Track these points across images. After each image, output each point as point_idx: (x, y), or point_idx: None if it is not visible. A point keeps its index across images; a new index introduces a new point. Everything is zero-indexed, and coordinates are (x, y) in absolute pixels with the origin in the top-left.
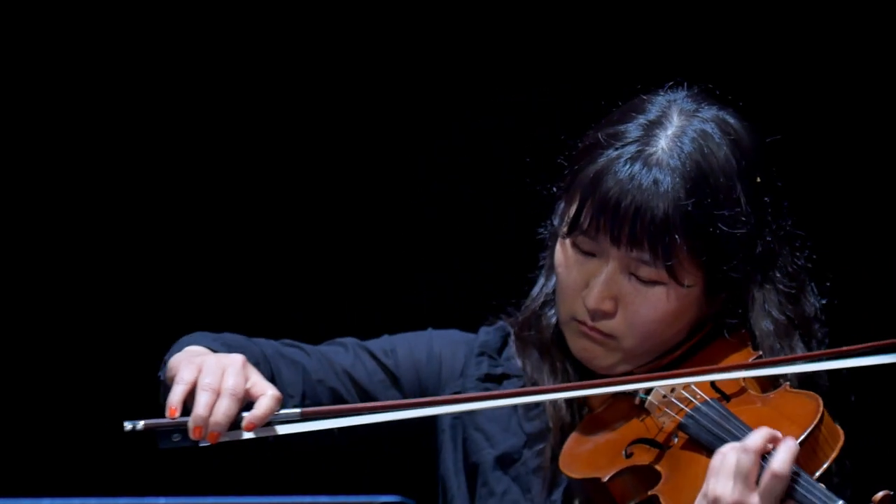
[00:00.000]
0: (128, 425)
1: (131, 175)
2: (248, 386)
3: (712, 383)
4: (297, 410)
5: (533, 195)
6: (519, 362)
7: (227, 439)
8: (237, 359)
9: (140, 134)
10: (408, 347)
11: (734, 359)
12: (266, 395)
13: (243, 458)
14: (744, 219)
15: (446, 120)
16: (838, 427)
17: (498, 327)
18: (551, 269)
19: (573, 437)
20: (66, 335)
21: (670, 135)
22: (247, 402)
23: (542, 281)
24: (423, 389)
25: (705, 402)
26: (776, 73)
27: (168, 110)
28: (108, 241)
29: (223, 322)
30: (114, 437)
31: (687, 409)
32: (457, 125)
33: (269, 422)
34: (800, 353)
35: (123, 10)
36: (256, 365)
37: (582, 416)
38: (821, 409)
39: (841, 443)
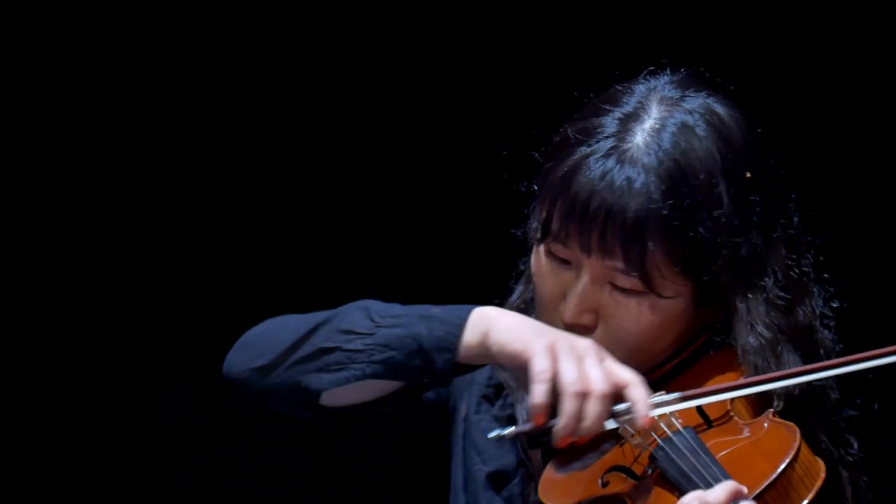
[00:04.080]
0: (491, 435)
1: (128, 175)
2: (609, 373)
3: (698, 407)
4: (676, 395)
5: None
6: (503, 375)
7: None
8: (590, 345)
9: (137, 134)
10: None
11: (724, 377)
12: (632, 383)
13: (245, 460)
14: (725, 220)
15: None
16: (819, 461)
17: None
18: (528, 275)
19: (552, 464)
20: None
21: (647, 128)
22: None
23: (520, 288)
24: (448, 393)
25: (678, 432)
26: (784, 53)
27: (162, 110)
28: (105, 242)
29: (221, 321)
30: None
31: (659, 439)
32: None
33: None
34: (792, 367)
35: (123, 10)
36: None
37: None
38: (796, 444)
39: (820, 481)
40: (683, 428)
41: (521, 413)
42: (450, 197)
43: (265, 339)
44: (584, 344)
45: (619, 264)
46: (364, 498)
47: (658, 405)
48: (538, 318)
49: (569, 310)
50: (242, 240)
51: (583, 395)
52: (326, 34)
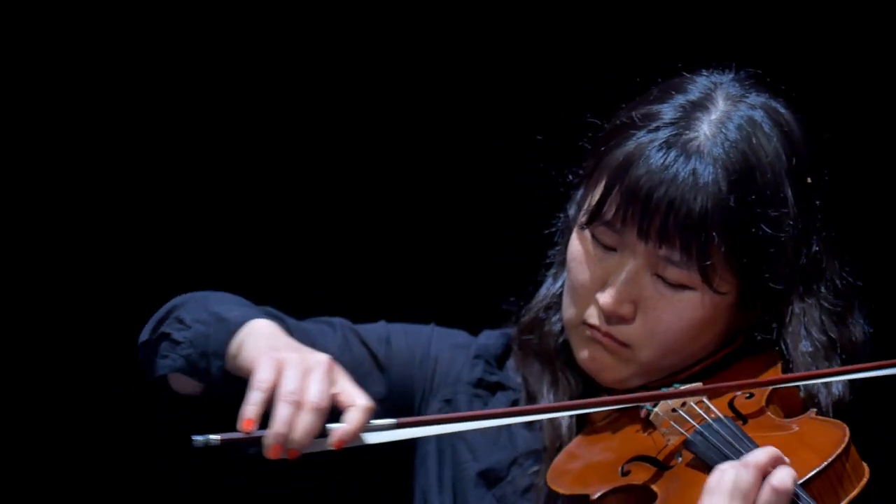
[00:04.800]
0: (198, 440)
1: (126, 174)
2: (334, 392)
3: (730, 402)
4: (392, 421)
5: (548, 183)
6: (517, 373)
7: (310, 451)
8: (323, 360)
9: (129, 134)
10: (404, 340)
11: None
12: (356, 406)
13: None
14: (791, 221)
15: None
16: (864, 464)
17: (502, 333)
18: (561, 267)
19: (566, 450)
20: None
21: (714, 120)
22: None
23: (549, 282)
24: (410, 389)
25: (718, 420)
26: (838, 66)
27: (147, 112)
28: (105, 242)
29: None
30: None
31: (697, 425)
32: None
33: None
34: (840, 379)
35: (123, 10)
36: None
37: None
38: (846, 439)
39: (864, 481)
40: (723, 416)
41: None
42: (451, 197)
43: (151, 319)
44: (318, 360)
45: (676, 255)
46: (364, 498)
47: (375, 430)
48: (569, 308)
49: (609, 297)
50: (244, 240)
51: (296, 405)
52: (323, 31)
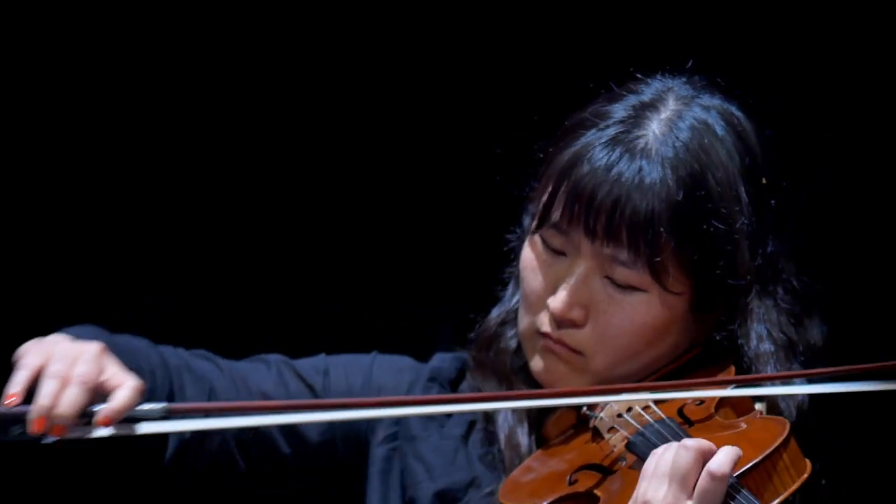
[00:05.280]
0: None
1: (120, 174)
2: (104, 378)
3: (679, 409)
4: (162, 405)
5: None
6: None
7: (76, 435)
8: (94, 346)
9: (122, 132)
10: (343, 371)
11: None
12: (124, 385)
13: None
14: (745, 220)
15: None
16: (806, 460)
17: (455, 356)
18: (516, 282)
19: (523, 465)
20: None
21: (664, 119)
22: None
23: (505, 298)
24: (354, 420)
25: (660, 421)
26: (792, 69)
27: (141, 109)
28: (106, 242)
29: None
30: None
31: (639, 426)
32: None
33: (129, 417)
34: (799, 381)
35: (123, 10)
36: (152, 374)
37: None
38: (786, 433)
39: (805, 475)
40: (666, 417)
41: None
42: (439, 200)
43: None
44: (87, 347)
45: (623, 253)
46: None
47: (146, 418)
48: (522, 318)
49: (559, 301)
50: (241, 242)
51: (62, 381)
52: (306, 34)
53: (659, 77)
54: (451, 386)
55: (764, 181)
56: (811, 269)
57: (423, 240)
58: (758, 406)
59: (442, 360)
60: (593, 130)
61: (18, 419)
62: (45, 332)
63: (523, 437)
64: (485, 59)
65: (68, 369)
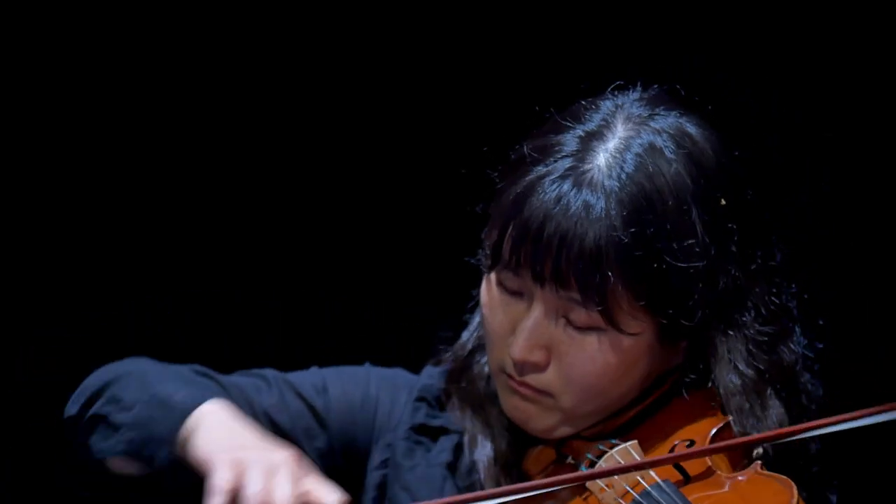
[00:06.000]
0: None
1: (103, 174)
2: (302, 491)
3: (676, 463)
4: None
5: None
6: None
7: None
8: (287, 458)
9: (114, 131)
10: (341, 386)
11: (697, 425)
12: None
13: None
14: (699, 250)
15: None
16: None
17: (444, 370)
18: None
19: None
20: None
21: (611, 149)
22: None
23: (475, 322)
24: (354, 437)
25: (655, 485)
26: (776, 69)
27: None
28: (107, 242)
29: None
30: None
31: (634, 492)
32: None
33: None
34: (776, 411)
35: (123, 10)
36: None
37: None
38: (794, 501)
39: None
40: (662, 481)
41: (480, 458)
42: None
43: (80, 391)
44: (281, 458)
45: (575, 295)
46: None
47: None
48: (488, 356)
49: (518, 346)
50: (241, 242)
51: None
52: (306, 34)
53: (609, 94)
54: (438, 402)
55: (723, 202)
56: (803, 274)
57: (424, 240)
58: (756, 451)
59: (431, 376)
60: (540, 166)
61: None
62: (45, 332)
63: (501, 475)
64: (484, 60)
65: (267, 494)
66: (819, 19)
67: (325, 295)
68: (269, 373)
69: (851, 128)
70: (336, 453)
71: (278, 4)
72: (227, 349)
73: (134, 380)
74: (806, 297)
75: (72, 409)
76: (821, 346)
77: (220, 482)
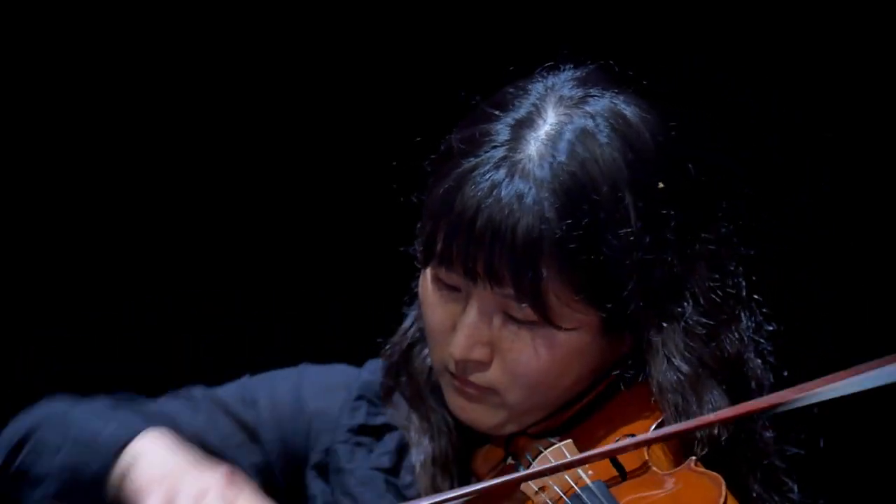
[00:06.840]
0: None
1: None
2: None
3: (612, 458)
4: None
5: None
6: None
7: None
8: (219, 480)
9: (110, 131)
10: (270, 397)
11: (641, 420)
12: None
13: None
14: (634, 239)
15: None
16: None
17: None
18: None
19: None
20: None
21: (542, 136)
22: None
23: (414, 313)
24: (289, 447)
25: (586, 488)
26: (712, 39)
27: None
28: (108, 242)
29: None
30: None
31: (566, 496)
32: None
33: None
34: (715, 405)
35: (123, 10)
36: None
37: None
38: (721, 500)
39: None
40: (593, 483)
41: (417, 458)
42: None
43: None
44: (212, 480)
45: (510, 292)
46: None
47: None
48: (431, 351)
49: (458, 344)
50: (241, 242)
51: None
52: (307, 35)
53: (539, 76)
54: (380, 399)
55: (661, 185)
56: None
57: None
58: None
59: (373, 372)
60: (471, 158)
61: None
62: (44, 332)
63: (440, 474)
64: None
65: None
66: (819, 19)
67: (325, 295)
68: (198, 392)
69: (851, 128)
70: (274, 466)
71: (275, 5)
72: (227, 349)
73: (55, 424)
74: (754, 278)
75: None
76: (771, 328)
77: None
